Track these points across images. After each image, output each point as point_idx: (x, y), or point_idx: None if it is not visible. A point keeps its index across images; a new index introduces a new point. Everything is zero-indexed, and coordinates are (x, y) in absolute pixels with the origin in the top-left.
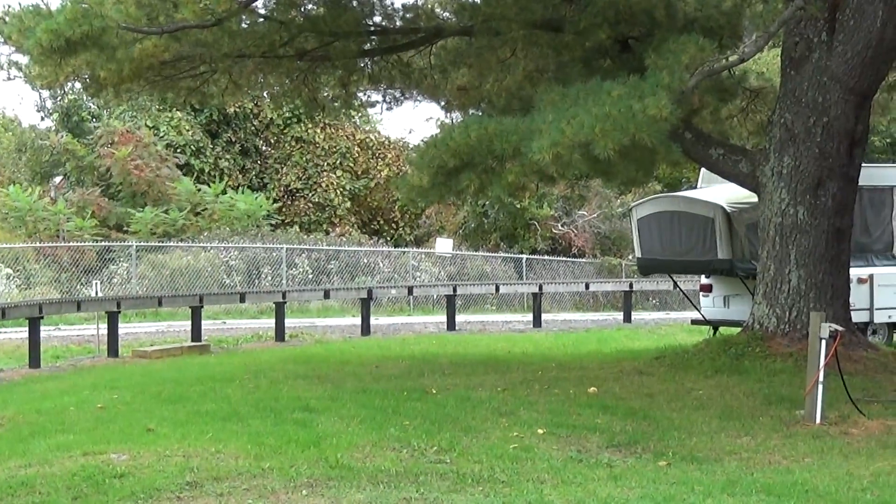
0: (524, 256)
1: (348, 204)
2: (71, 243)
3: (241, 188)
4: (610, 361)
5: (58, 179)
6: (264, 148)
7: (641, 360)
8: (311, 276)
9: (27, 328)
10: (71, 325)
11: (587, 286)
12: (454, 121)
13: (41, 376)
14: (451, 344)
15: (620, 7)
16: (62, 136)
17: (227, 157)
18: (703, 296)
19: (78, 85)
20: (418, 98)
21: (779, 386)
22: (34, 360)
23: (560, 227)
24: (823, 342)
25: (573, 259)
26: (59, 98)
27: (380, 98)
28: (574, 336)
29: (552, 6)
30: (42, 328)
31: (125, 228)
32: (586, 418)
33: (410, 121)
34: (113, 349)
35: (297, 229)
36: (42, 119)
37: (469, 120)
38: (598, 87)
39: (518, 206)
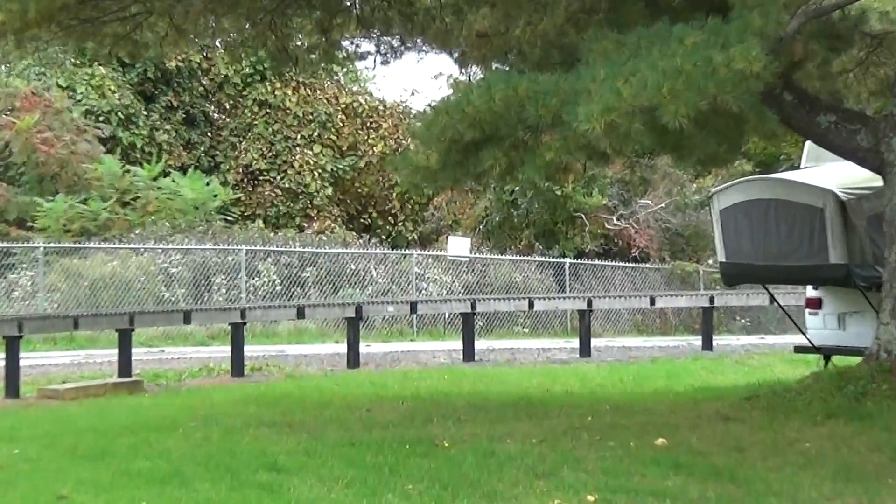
0: (567, 261)
1: (329, 190)
2: None
3: (186, 169)
4: (684, 403)
5: None
6: (217, 115)
7: (727, 402)
8: (279, 289)
9: None
10: None
11: (652, 301)
12: (472, 78)
13: None
14: (469, 379)
15: None
16: None
17: (167, 127)
18: (811, 314)
19: None
20: (423, 48)
21: None
22: None
23: (616, 222)
24: None
25: (633, 264)
26: None
27: (372, 48)
28: (635, 368)
29: None
30: None
31: (29, 224)
32: (653, 480)
33: (413, 79)
34: (12, 387)
35: (262, 225)
36: None
37: (492, 77)
38: (667, 32)
39: (559, 193)
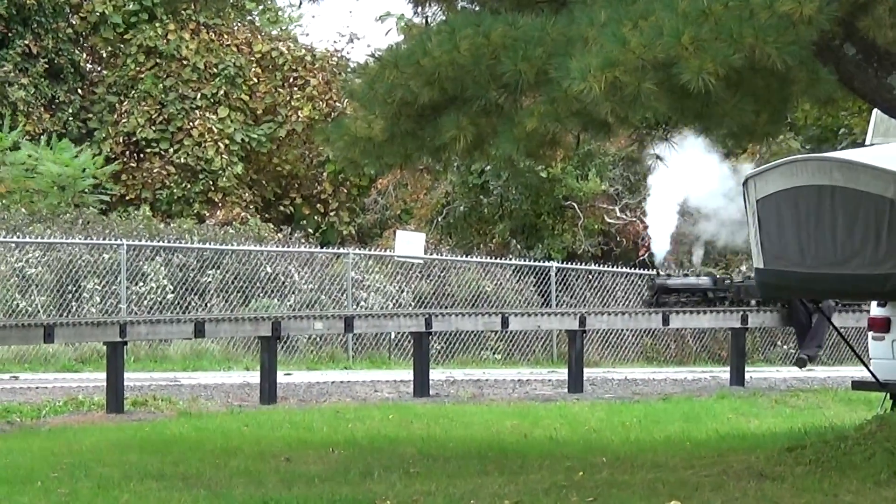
0: (554, 265)
1: (239, 168)
2: None
3: (49, 137)
4: (705, 454)
5: None
6: (90, 67)
7: (762, 454)
8: (171, 297)
9: None
10: None
11: (666, 320)
12: (430, 21)
13: None
14: (422, 421)
15: None
16: None
17: (24, 81)
18: (875, 339)
19: None
20: None
21: None
22: None
23: (619, 214)
24: None
25: (641, 271)
26: None
27: None
28: (641, 408)
29: None
30: None
31: None
32: None
33: (351, 21)
34: None
35: (149, 212)
36: None
37: (457, 20)
38: None
39: (544, 175)
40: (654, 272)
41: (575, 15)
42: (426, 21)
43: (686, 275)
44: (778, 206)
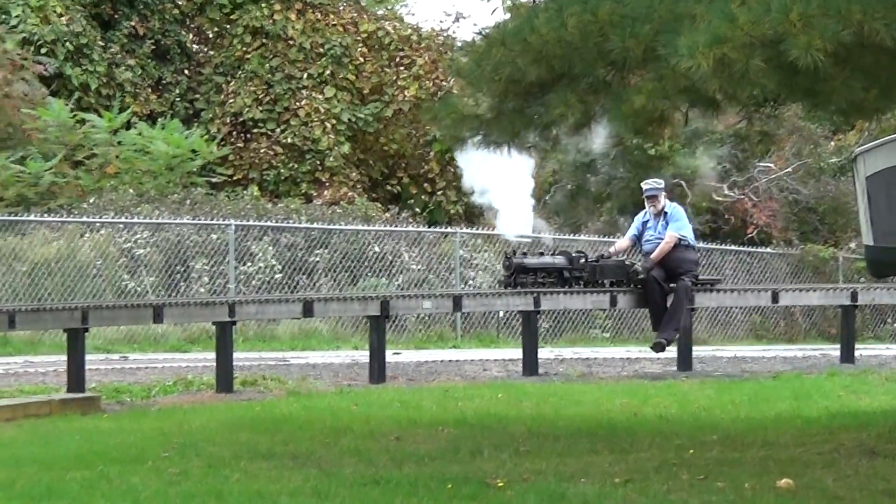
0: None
1: (346, 148)
2: None
3: (156, 118)
4: (816, 432)
5: None
6: (197, 48)
7: (873, 431)
8: (279, 277)
9: None
10: None
11: (775, 297)
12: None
13: None
14: (531, 399)
15: None
16: None
17: (132, 63)
18: None
19: None
20: None
21: None
22: None
23: (727, 192)
24: None
25: (750, 248)
26: None
27: None
28: (751, 386)
29: None
30: None
31: None
32: None
33: (457, 0)
34: None
35: (257, 192)
36: None
37: None
38: None
39: (652, 153)
40: (511, 251)
41: None
42: None
43: (541, 254)
44: (889, 182)
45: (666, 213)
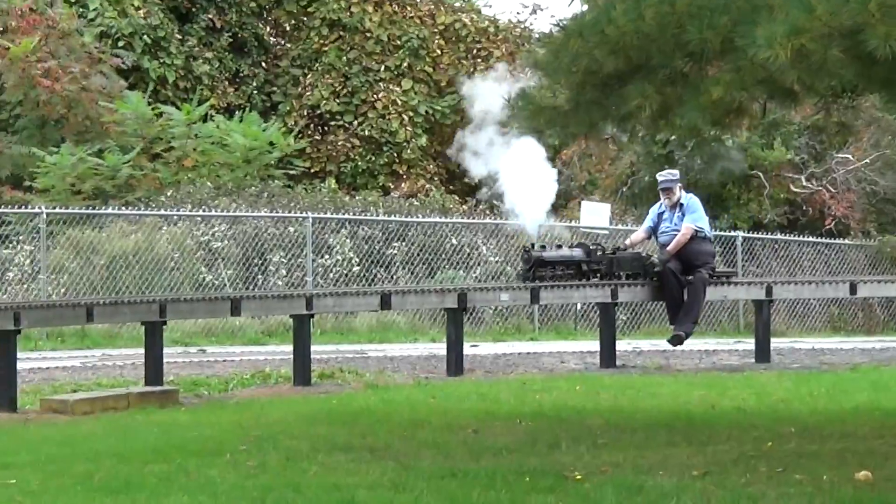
0: (739, 234)
1: (423, 140)
2: None
3: (233, 111)
4: (895, 424)
5: None
6: (274, 40)
7: None
8: (357, 270)
9: None
10: None
11: (853, 289)
12: None
13: None
14: (609, 391)
15: None
16: None
17: (209, 55)
18: None
19: None
20: None
21: None
22: None
23: (805, 183)
24: None
25: (828, 240)
26: None
27: None
28: (829, 378)
29: None
30: None
31: (28, 183)
32: None
33: None
34: (7, 397)
35: (334, 185)
36: None
37: None
38: None
39: (730, 144)
40: (529, 245)
41: None
42: None
43: (559, 246)
44: None
45: (682, 204)
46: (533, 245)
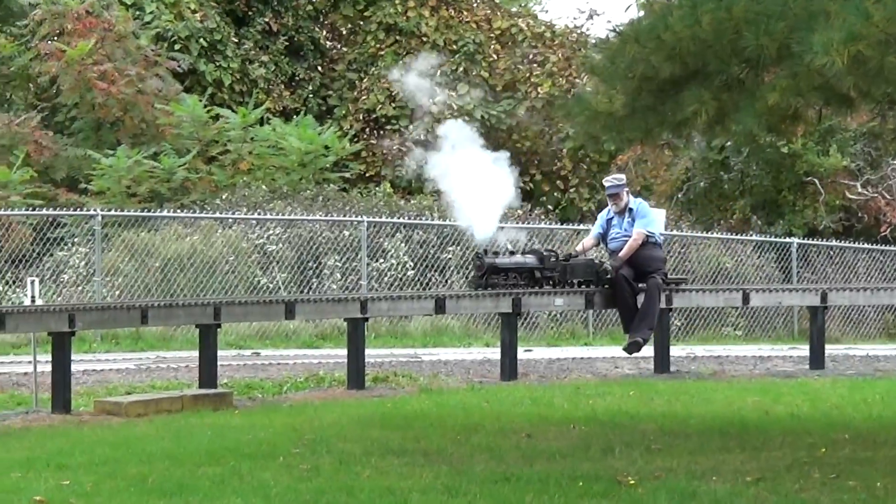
0: (795, 241)
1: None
2: None
3: (289, 115)
4: None
5: None
6: (330, 44)
7: None
8: (411, 274)
9: None
10: None
11: None
12: None
13: None
14: (663, 397)
15: None
16: None
17: (265, 59)
18: None
19: None
20: None
21: None
22: None
23: (860, 190)
24: None
25: (883, 247)
26: None
27: None
28: (884, 385)
29: None
30: None
31: (83, 186)
32: None
33: None
34: (61, 399)
35: (389, 189)
36: None
37: None
38: None
39: (785, 150)
40: (482, 251)
41: None
42: None
43: (512, 253)
44: None
45: (631, 209)
46: (486, 251)
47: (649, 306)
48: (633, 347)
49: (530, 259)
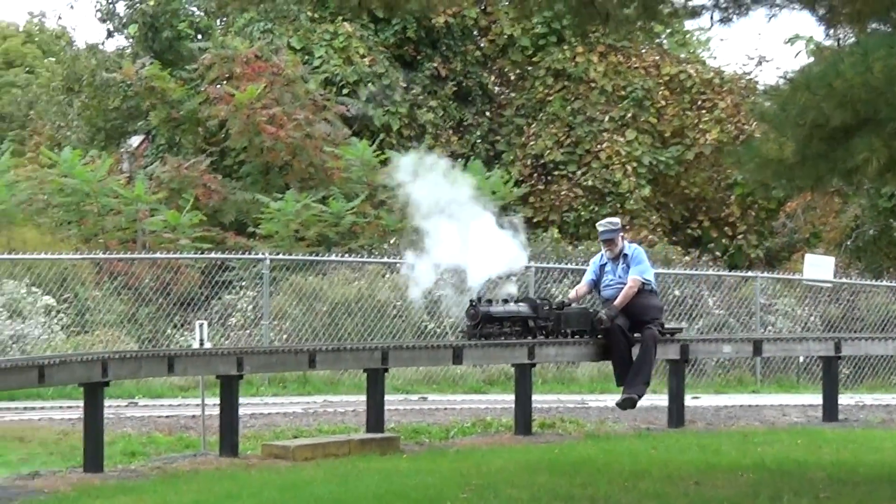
0: None
1: (647, 190)
2: (157, 254)
3: (457, 159)
4: None
5: (135, 141)
6: (498, 89)
7: None
8: None
9: (81, 401)
10: (156, 398)
11: None
12: (842, 43)
13: (104, 487)
14: (831, 445)
15: None
16: (143, 66)
17: (433, 104)
18: None
19: None
20: (777, 2)
21: None
22: (92, 460)
23: None
24: None
25: None
26: None
27: (708, 1)
28: None
29: None
30: (106, 402)
31: (251, 229)
32: None
33: (760, 44)
34: (229, 442)
35: (557, 234)
36: (109, 35)
37: (870, 41)
38: None
39: None
40: (476, 299)
41: None
42: (837, 43)
43: (506, 301)
44: None
45: (626, 255)
46: (479, 299)
47: (645, 359)
48: (627, 403)
49: (524, 308)
